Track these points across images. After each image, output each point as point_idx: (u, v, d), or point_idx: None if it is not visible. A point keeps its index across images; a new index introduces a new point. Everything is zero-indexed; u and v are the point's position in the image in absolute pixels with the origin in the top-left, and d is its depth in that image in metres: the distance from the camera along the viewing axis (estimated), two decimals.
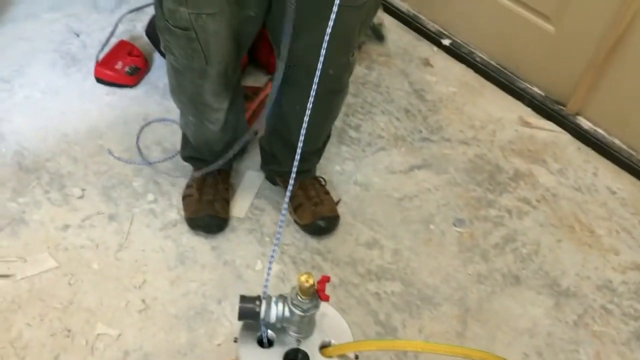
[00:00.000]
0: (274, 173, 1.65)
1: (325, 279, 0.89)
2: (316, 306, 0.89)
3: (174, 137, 1.75)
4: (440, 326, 1.46)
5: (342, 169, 1.78)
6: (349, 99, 1.87)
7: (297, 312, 0.88)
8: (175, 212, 1.59)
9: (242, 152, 1.70)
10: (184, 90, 1.31)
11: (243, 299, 0.91)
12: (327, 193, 1.63)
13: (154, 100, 1.87)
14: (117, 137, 1.75)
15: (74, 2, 2.14)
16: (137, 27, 2.07)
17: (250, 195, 1.66)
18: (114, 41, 1.96)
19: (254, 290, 1.42)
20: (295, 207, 1.58)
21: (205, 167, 1.48)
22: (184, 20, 1.09)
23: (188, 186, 1.59)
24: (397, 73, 2.10)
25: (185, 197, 1.57)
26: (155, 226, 1.56)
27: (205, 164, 1.50)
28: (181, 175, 1.64)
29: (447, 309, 1.49)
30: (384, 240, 1.61)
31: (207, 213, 1.52)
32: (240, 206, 1.63)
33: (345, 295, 1.48)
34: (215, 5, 1.08)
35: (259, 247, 1.55)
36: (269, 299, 0.91)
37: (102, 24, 2.06)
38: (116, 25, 2.02)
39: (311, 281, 0.85)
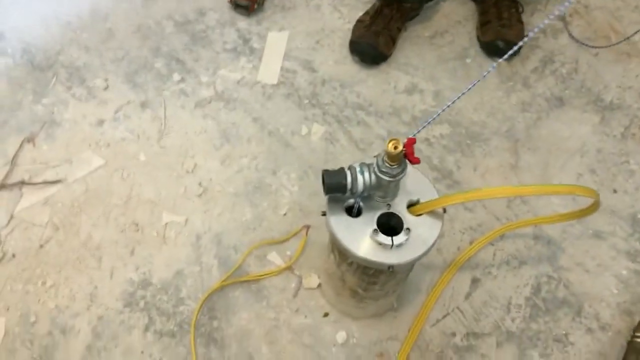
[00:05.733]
0: None
1: (412, 141, 0.86)
2: (404, 170, 0.88)
3: (183, 6, 1.64)
4: (494, 161, 1.47)
5: None
6: None
7: (386, 178, 0.87)
8: (206, 89, 1.53)
9: None
10: None
11: (328, 173, 0.89)
12: (520, 21, 1.61)
13: None
14: (123, 15, 1.63)
15: None
16: None
17: (278, 58, 1.58)
18: None
19: (304, 156, 1.43)
20: (483, 24, 1.60)
21: None
22: None
23: (365, 13, 1.62)
24: None
25: (357, 22, 1.60)
26: (190, 107, 1.51)
27: None
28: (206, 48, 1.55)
29: (497, 143, 1.49)
30: (422, 84, 1.57)
31: (369, 42, 1.53)
32: (270, 72, 1.56)
33: None
34: None
35: (300, 111, 1.51)
36: (353, 169, 0.89)
37: None
38: None
39: (400, 147, 0.83)
